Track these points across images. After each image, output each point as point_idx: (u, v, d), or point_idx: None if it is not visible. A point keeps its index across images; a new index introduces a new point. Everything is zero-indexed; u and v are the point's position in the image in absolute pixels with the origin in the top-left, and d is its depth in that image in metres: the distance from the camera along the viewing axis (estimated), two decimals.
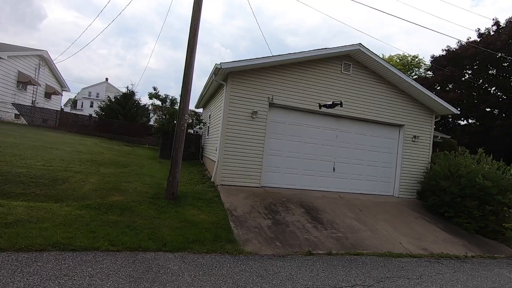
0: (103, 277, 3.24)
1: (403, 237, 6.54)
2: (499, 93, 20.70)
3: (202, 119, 14.34)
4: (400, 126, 9.69)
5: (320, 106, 8.26)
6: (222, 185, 7.69)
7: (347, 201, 8.25)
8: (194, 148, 13.54)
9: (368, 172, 9.41)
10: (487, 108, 21.09)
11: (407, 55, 30.20)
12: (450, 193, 8.02)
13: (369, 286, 4.01)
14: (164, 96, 13.95)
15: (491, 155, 8.73)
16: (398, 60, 29.90)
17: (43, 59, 19.36)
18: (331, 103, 8.02)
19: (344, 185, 9.09)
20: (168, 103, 13.96)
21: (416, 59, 29.90)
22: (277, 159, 8.43)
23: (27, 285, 2.86)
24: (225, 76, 7.99)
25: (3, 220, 4.18)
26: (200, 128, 14.38)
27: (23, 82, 17.34)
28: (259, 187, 8.01)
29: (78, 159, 8.99)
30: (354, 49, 8.49)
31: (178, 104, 9.99)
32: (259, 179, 8.07)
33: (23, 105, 17.45)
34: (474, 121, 22.18)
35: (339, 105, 7.81)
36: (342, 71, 8.85)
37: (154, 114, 18.94)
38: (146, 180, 7.82)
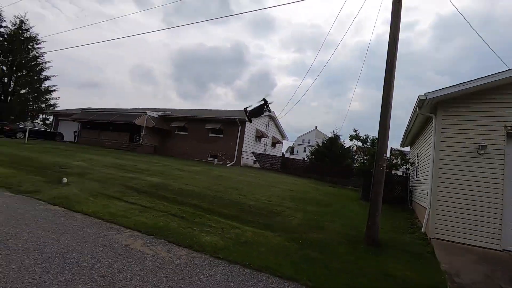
0: None
1: None
2: None
3: (409, 159, 12.71)
4: None
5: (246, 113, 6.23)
6: (437, 239, 6.19)
7: None
8: (401, 191, 12.04)
9: None
10: None
11: None
12: None
13: None
14: (364, 136, 13.85)
15: None
16: None
17: (271, 117, 25.28)
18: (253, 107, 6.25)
19: None
20: (369, 144, 13.66)
21: None
22: None
23: None
24: (433, 107, 6.84)
25: (239, 239, 5.55)
26: (407, 169, 12.73)
27: (258, 136, 23.30)
28: (499, 250, 5.72)
29: (290, 196, 10.51)
30: None
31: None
32: (499, 237, 5.78)
33: (258, 153, 23.25)
34: None
35: (265, 108, 6.03)
36: None
37: (355, 155, 19.07)
38: (346, 221, 7.78)
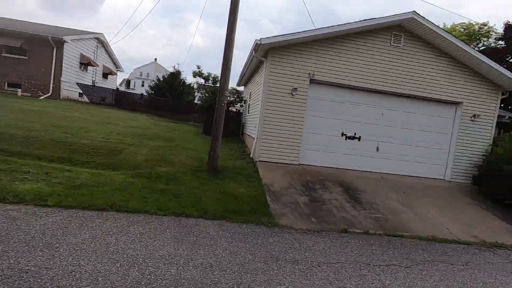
0: (151, 235, 3.64)
1: (451, 222, 6.12)
2: None
3: (243, 97, 14.52)
4: (457, 103, 8.75)
5: None
6: (261, 161, 7.86)
7: (391, 182, 7.88)
8: (235, 126, 13.87)
9: (416, 153, 8.79)
10: None
11: (474, 23, 26.42)
12: None
13: (406, 267, 3.91)
14: (207, 74, 14.33)
15: None
16: (462, 30, 26.36)
17: (100, 42, 20.96)
18: None
19: (389, 166, 8.66)
20: (211, 81, 14.33)
21: (485, 27, 26.03)
22: (317, 137, 8.29)
23: (91, 237, 3.36)
24: (265, 52, 7.90)
25: (72, 183, 4.86)
26: (242, 106, 14.61)
27: (84, 63, 19.08)
28: (297, 165, 8.03)
29: (131, 133, 9.85)
30: (407, 18, 7.71)
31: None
32: (298, 157, 8.06)
33: (85, 84, 19.34)
34: None
35: None
36: (392, 43, 8.15)
37: (198, 92, 19.68)
38: (190, 153, 8.32)
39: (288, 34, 7.32)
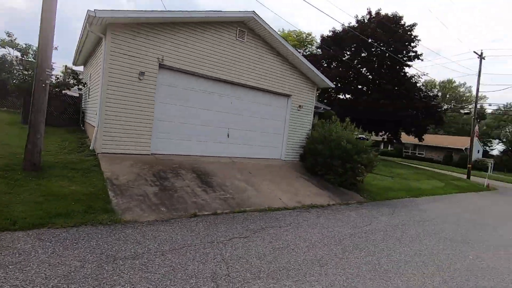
0: None
1: (283, 193, 7.45)
2: (367, 73, 25.07)
3: (81, 79, 12.21)
4: (288, 96, 10.61)
5: None
6: (104, 153, 6.89)
7: (239, 165, 8.73)
8: (74, 113, 11.55)
9: (260, 138, 10.11)
10: (359, 86, 25.38)
11: (303, 32, 32.79)
12: (323, 155, 9.47)
13: (245, 237, 4.43)
14: (25, 45, 11.06)
15: (355, 123, 10.66)
16: (295, 36, 32.16)
17: None
18: None
19: (238, 151, 9.54)
20: (31, 56, 11.18)
21: (310, 37, 32.82)
22: (169, 125, 8.06)
23: None
24: (104, 28, 6.85)
25: None
26: (80, 90, 12.27)
27: None
28: (149, 155, 7.56)
29: None
30: (248, 16, 8.54)
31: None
32: (149, 146, 7.58)
33: None
34: (350, 95, 26.42)
35: None
36: (237, 38, 8.86)
37: (13, 69, 14.96)
38: (0, 149, 6.27)
39: (129, 11, 6.61)
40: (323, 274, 3.61)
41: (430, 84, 48.79)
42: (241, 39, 8.95)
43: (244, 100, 9.58)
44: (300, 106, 10.85)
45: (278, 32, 9.88)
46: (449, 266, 4.46)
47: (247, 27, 9.05)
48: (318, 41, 30.43)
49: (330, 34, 25.53)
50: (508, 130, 53.20)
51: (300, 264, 3.79)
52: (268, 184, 7.79)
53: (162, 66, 7.66)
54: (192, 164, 7.67)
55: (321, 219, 6.03)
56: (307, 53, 30.89)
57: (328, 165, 9.39)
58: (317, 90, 11.52)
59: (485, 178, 19.72)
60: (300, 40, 32.40)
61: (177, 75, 8.06)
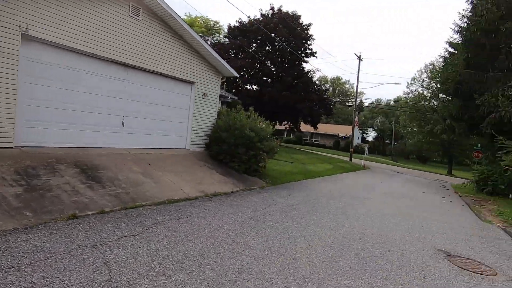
0: None
1: (186, 183, 7.17)
2: (271, 66, 26.62)
3: None
4: (192, 83, 10.20)
5: None
6: None
7: (137, 156, 7.95)
8: None
9: (162, 127, 9.44)
10: (264, 77, 26.74)
11: (210, 20, 32.19)
12: (228, 143, 9.56)
13: (137, 235, 4.03)
14: None
15: (258, 113, 11.12)
16: (202, 22, 31.28)
17: None
18: None
19: (135, 141, 8.67)
20: None
21: (218, 25, 32.51)
22: (44, 111, 6.62)
23: None
24: None
25: None
26: None
27: None
28: (11, 148, 6.04)
29: None
30: None
31: None
32: (11, 137, 6.05)
33: None
34: (256, 86, 27.59)
35: None
36: (130, 14, 7.88)
37: None
38: None
39: None
40: (218, 261, 3.59)
41: (324, 80, 55.69)
42: (135, 16, 8.00)
43: (142, 85, 8.71)
44: (205, 94, 10.60)
45: (184, 17, 9.32)
46: (329, 236, 5.14)
47: (142, 3, 8.14)
48: (226, 30, 30.50)
49: (237, 24, 25.85)
50: (378, 121, 65.90)
51: (196, 255, 3.68)
52: (169, 175, 7.36)
53: (28, 38, 6.14)
54: (76, 158, 6.53)
55: (223, 207, 6.07)
56: (215, 41, 30.59)
57: (232, 153, 9.54)
58: (222, 79, 11.49)
59: (362, 159, 23.94)
60: (208, 28, 31.73)
61: (54, 51, 6.63)
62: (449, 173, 28.90)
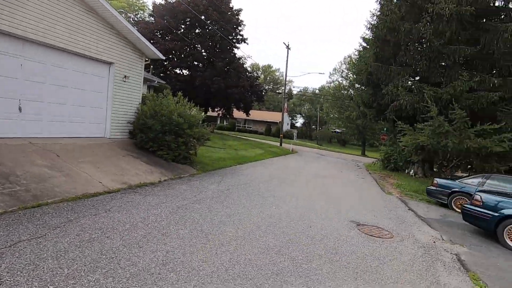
0: None
1: (106, 175, 6.50)
2: (202, 51, 25.72)
3: None
4: (110, 63, 9.12)
5: None
6: None
7: (41, 147, 6.82)
8: None
9: (74, 113, 8.26)
10: (195, 62, 25.72)
11: None
12: (155, 130, 8.95)
13: (40, 237, 3.48)
14: None
15: (188, 98, 10.65)
16: None
17: None
18: None
19: (39, 129, 7.41)
20: None
21: (141, 1, 29.65)
22: None
23: None
24: None
25: None
26: None
27: None
28: None
29: None
30: None
31: None
32: None
33: None
34: (187, 71, 26.38)
35: None
36: None
37: None
38: None
39: None
40: (141, 255, 3.38)
41: (255, 67, 56.63)
42: None
43: (45, 64, 7.40)
44: (125, 76, 9.63)
45: None
46: (258, 217, 5.34)
47: None
48: (151, 8, 28.07)
49: (162, 2, 24.00)
50: (306, 108, 70.63)
51: (115, 251, 3.38)
52: (85, 167, 6.55)
53: None
54: None
55: (149, 198, 5.71)
56: (139, 19, 27.91)
57: (160, 140, 9.00)
58: (147, 61, 10.57)
59: (291, 144, 25.47)
60: (129, 4, 28.65)
61: None
62: (363, 154, 33.06)
